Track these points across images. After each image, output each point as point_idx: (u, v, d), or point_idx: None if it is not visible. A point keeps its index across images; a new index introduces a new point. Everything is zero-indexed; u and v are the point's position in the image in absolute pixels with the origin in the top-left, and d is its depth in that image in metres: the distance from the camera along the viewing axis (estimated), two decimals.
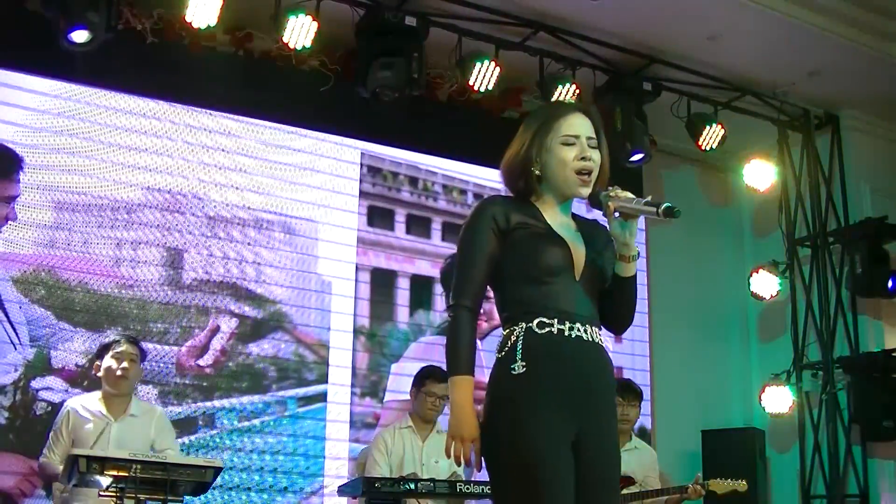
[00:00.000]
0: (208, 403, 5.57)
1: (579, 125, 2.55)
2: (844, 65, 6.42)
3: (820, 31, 6.11)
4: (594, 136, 2.55)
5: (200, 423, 5.53)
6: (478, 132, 6.36)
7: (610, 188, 2.47)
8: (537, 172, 2.55)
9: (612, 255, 2.54)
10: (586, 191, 2.51)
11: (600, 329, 2.52)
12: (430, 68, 5.98)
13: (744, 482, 5.10)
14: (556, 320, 2.42)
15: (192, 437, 5.47)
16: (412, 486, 4.30)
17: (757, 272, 7.06)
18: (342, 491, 4.71)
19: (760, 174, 7.06)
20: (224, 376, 5.65)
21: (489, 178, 6.57)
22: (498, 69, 5.81)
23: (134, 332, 5.22)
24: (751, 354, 7.50)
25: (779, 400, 6.82)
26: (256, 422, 5.68)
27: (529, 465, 2.30)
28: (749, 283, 7.08)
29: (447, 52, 5.85)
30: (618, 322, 2.62)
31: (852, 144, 7.14)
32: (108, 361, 4.35)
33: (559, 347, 2.40)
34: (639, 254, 2.53)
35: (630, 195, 2.43)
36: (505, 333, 2.47)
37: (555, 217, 2.56)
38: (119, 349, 4.37)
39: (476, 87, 5.85)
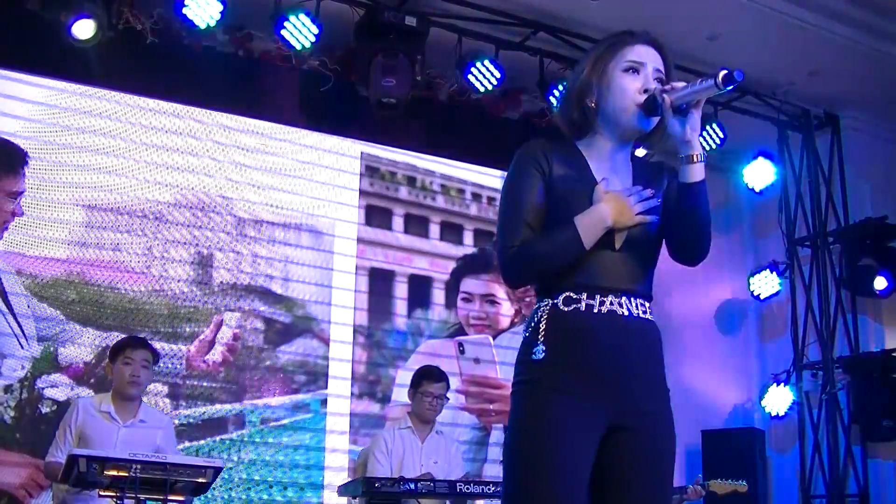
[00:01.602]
0: (237, 405, 5.62)
1: (647, 54, 2.26)
2: (844, 65, 6.42)
3: (820, 31, 6.11)
4: (662, 69, 2.26)
5: (231, 423, 5.57)
6: (478, 132, 6.37)
7: (666, 86, 2.19)
8: (592, 104, 2.26)
9: (670, 200, 2.26)
10: (648, 124, 2.23)
11: (645, 302, 2.21)
12: (430, 68, 5.98)
13: (744, 483, 5.10)
14: (584, 294, 2.15)
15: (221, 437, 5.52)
16: (412, 486, 4.30)
17: (757, 272, 7.06)
18: (342, 491, 4.71)
19: (760, 174, 7.06)
20: (235, 377, 5.68)
21: (489, 179, 6.58)
22: (498, 69, 5.81)
23: (164, 333, 5.27)
24: (751, 354, 7.50)
25: (779, 400, 6.82)
26: (258, 428, 5.69)
27: (542, 460, 2.08)
28: (749, 283, 7.08)
29: (447, 52, 5.85)
30: (690, 247, 2.27)
31: (852, 144, 7.14)
32: (119, 366, 4.32)
33: (586, 326, 2.14)
34: (705, 155, 2.20)
35: (684, 83, 2.16)
36: (533, 309, 2.23)
37: (604, 165, 2.27)
38: (131, 355, 4.33)
39: (476, 87, 5.85)
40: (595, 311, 2.15)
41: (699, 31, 6.03)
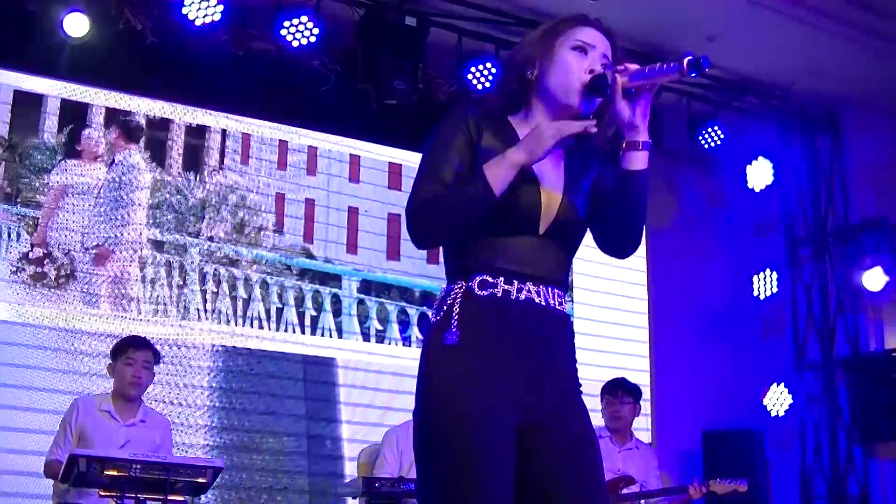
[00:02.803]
0: None
1: (597, 38, 2.15)
2: (844, 65, 6.42)
3: (820, 31, 6.11)
4: (609, 57, 2.13)
5: None
6: None
7: (618, 66, 2.06)
8: (532, 77, 2.12)
9: (602, 187, 2.14)
10: (589, 106, 2.09)
11: (563, 293, 2.10)
12: (430, 68, 5.98)
13: (744, 485, 5.10)
14: (501, 279, 2.03)
15: None
16: (412, 486, 4.29)
17: (757, 272, 7.07)
18: (342, 491, 4.70)
19: (760, 174, 7.06)
20: None
21: None
22: (498, 69, 5.81)
23: None
24: (751, 354, 7.49)
25: (779, 400, 6.82)
26: None
27: (461, 453, 1.94)
28: (749, 283, 7.08)
29: (447, 52, 5.85)
30: (620, 239, 2.16)
31: (852, 144, 7.14)
32: (121, 367, 4.31)
33: (502, 313, 2.02)
34: (649, 143, 2.06)
35: (639, 66, 2.02)
36: (444, 292, 2.08)
37: None
38: (133, 355, 4.32)
39: (476, 87, 5.85)
40: (512, 297, 2.03)
41: (699, 31, 6.03)
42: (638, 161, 2.05)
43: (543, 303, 2.06)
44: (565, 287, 2.13)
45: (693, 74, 1.96)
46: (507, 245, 2.05)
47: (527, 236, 2.07)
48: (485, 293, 2.03)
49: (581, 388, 2.14)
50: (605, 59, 2.13)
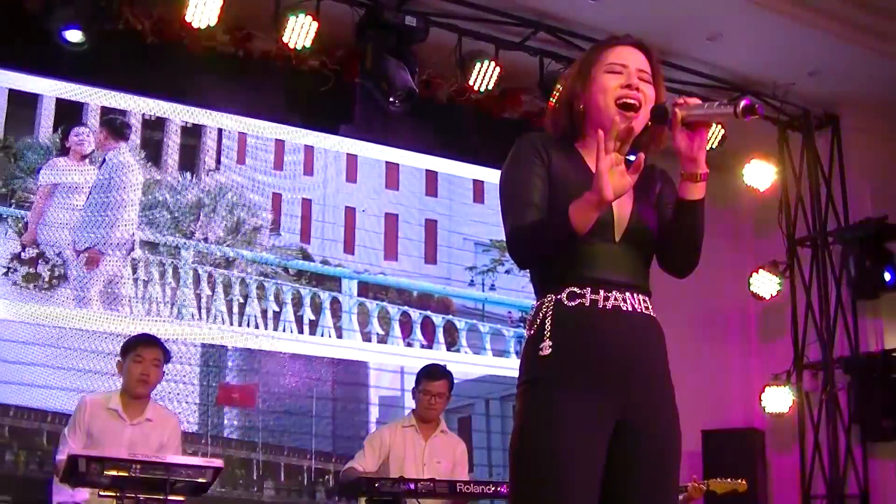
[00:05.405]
0: None
1: (629, 55, 2.26)
2: (844, 65, 6.42)
3: (820, 31, 6.11)
4: (647, 69, 2.25)
5: None
6: (478, 132, 6.38)
7: (677, 97, 2.17)
8: (581, 107, 2.27)
9: (664, 204, 2.27)
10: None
11: (647, 296, 2.21)
12: (430, 68, 5.98)
13: (744, 482, 5.10)
14: (588, 289, 2.14)
15: None
16: (412, 486, 4.29)
17: (757, 272, 7.06)
18: (342, 491, 4.70)
19: (760, 174, 7.05)
20: None
21: (489, 178, 6.58)
22: (498, 69, 5.81)
23: None
24: (751, 354, 7.49)
25: (779, 400, 6.82)
26: None
27: (552, 460, 2.06)
28: (749, 283, 7.08)
29: (447, 52, 5.85)
30: (681, 261, 2.29)
31: (852, 144, 7.14)
32: (130, 364, 4.30)
33: (593, 322, 2.12)
34: (707, 173, 2.17)
35: (699, 101, 2.14)
36: (535, 307, 2.20)
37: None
38: (142, 353, 4.31)
39: (476, 88, 5.85)
40: (600, 306, 2.14)
41: (699, 31, 6.03)
42: (697, 191, 2.17)
43: (630, 308, 2.16)
44: (649, 292, 2.24)
45: (746, 118, 2.04)
46: (589, 255, 2.16)
47: (605, 244, 2.18)
48: (574, 303, 2.14)
49: (673, 391, 2.22)
50: (640, 72, 2.24)
